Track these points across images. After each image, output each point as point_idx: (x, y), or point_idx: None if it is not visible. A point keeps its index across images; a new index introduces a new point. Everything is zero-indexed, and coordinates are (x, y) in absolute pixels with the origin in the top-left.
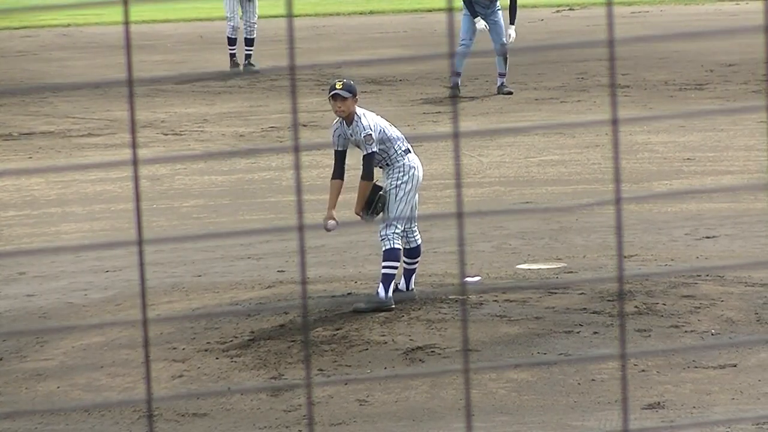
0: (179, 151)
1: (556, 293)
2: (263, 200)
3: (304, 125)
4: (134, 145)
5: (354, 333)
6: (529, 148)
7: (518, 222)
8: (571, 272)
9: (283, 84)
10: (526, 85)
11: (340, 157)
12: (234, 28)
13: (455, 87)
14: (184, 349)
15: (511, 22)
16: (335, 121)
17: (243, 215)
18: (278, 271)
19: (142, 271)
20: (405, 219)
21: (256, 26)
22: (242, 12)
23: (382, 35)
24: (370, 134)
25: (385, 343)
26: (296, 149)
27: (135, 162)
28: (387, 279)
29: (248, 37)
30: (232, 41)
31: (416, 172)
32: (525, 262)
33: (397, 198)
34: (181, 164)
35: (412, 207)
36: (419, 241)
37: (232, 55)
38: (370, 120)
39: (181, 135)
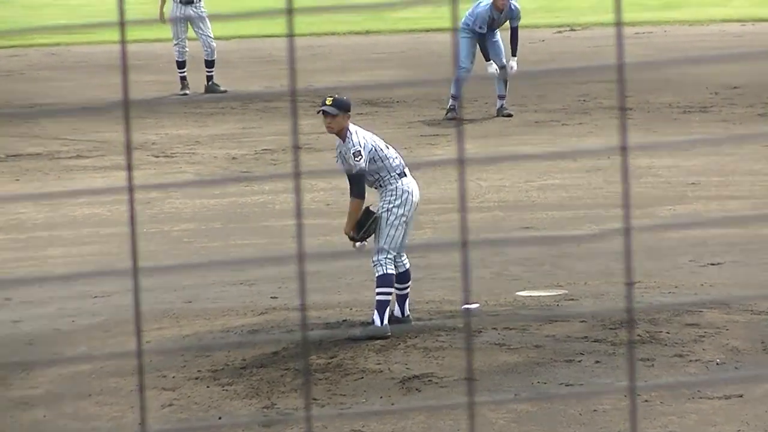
0: (170, 174)
1: (556, 321)
2: (256, 224)
3: (299, 148)
4: (129, 167)
5: (349, 361)
6: (529, 171)
7: (518, 248)
8: (573, 299)
9: (277, 105)
10: (526, 107)
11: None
12: (181, 52)
13: (452, 110)
14: (174, 377)
15: (513, 54)
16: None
17: (235, 240)
18: (271, 298)
19: (136, 299)
20: (397, 244)
21: (214, 46)
22: (195, 33)
23: (379, 56)
24: (359, 150)
25: (381, 371)
26: (297, 175)
27: (131, 189)
28: (381, 306)
29: (207, 59)
30: (180, 64)
31: (410, 197)
32: (525, 289)
33: (388, 222)
34: (173, 188)
35: (404, 232)
36: (407, 265)
37: (182, 78)
38: (361, 137)
39: (173, 157)
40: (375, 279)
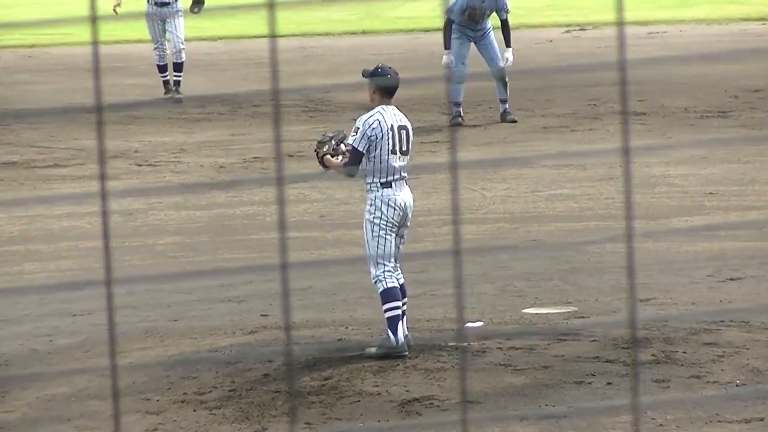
0: (154, 184)
1: (565, 340)
2: (245, 237)
3: (290, 156)
4: (102, 176)
5: (344, 383)
6: (536, 181)
7: (524, 262)
8: (582, 317)
9: (267, 111)
10: (533, 111)
11: None
12: (161, 56)
13: (457, 116)
14: (158, 400)
15: (507, 45)
16: None
17: (223, 254)
18: (261, 315)
19: (110, 313)
20: (390, 254)
21: (184, 48)
22: (166, 32)
23: (375, 57)
24: (359, 127)
25: (379, 394)
26: (280, 181)
27: (104, 195)
28: (392, 322)
29: (176, 61)
30: (162, 68)
31: (389, 212)
32: (532, 306)
33: (373, 234)
34: (156, 198)
35: (393, 243)
36: (402, 280)
37: (165, 83)
38: (375, 120)
39: (156, 166)
40: (379, 296)
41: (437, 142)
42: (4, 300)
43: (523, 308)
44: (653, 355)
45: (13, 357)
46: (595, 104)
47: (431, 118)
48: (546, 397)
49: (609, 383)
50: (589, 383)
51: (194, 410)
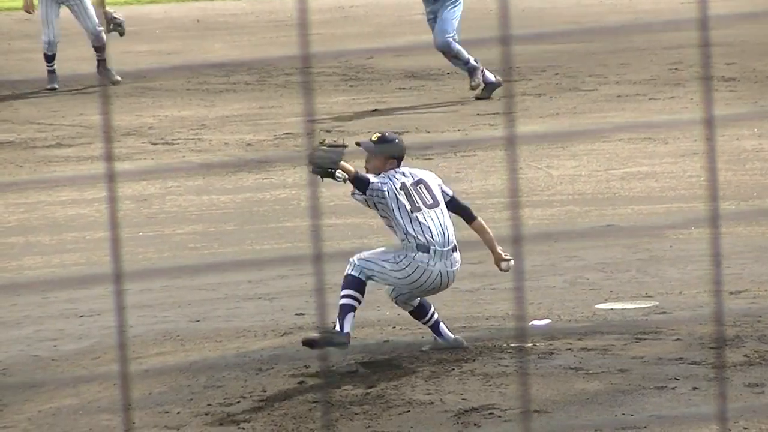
0: (171, 165)
1: (645, 339)
2: (277, 225)
3: (328, 131)
4: (108, 155)
5: (392, 391)
6: (609, 157)
7: (597, 250)
8: (665, 313)
9: (300, 80)
10: (606, 78)
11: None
12: (50, 43)
13: (495, 84)
14: (179, 412)
15: None
16: None
17: (252, 244)
18: (296, 314)
19: (120, 309)
20: (403, 299)
21: (102, 29)
22: (75, 16)
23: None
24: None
25: (432, 403)
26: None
27: (111, 176)
28: (342, 311)
29: (96, 45)
30: (49, 58)
31: (421, 278)
32: (606, 301)
33: (387, 274)
34: (174, 181)
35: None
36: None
37: (51, 71)
38: (384, 182)
39: (174, 144)
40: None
41: (497, 113)
42: (2, 299)
43: (596, 303)
44: (745, 355)
45: (13, 365)
46: (677, 69)
47: None
48: (623, 404)
49: (695, 388)
50: (672, 388)
51: (220, 424)
